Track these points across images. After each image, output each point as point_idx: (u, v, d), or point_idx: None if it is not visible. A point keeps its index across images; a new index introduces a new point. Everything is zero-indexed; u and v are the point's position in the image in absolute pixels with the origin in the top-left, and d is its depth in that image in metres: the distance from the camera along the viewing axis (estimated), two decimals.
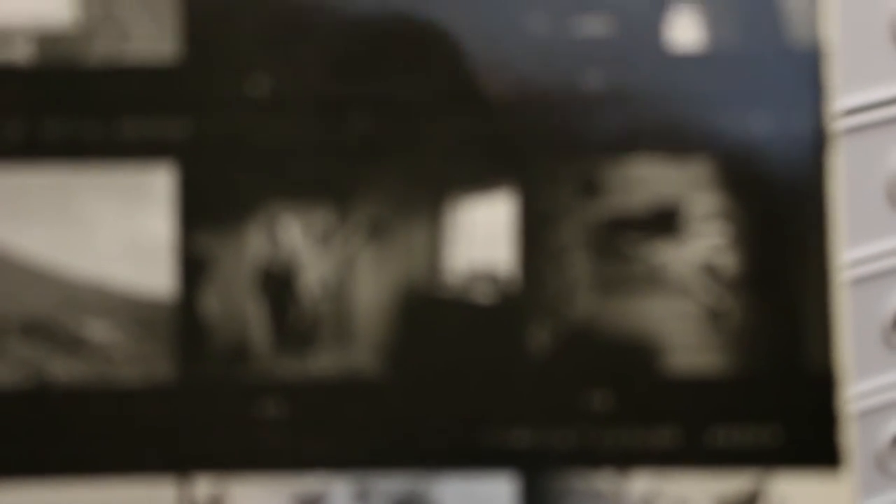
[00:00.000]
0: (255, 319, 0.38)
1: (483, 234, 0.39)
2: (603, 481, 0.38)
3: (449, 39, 0.39)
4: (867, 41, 0.46)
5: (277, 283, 0.39)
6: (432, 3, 0.39)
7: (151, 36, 0.39)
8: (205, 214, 0.38)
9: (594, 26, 0.39)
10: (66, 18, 0.38)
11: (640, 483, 0.39)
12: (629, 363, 0.38)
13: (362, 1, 0.39)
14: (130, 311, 0.38)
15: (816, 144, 0.38)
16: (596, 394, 0.38)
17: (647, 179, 0.39)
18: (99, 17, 0.38)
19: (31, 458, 0.38)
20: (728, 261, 0.38)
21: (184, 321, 0.38)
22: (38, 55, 0.38)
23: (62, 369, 0.38)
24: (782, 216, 0.38)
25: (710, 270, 0.38)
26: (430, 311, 0.38)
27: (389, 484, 0.38)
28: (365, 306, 0.39)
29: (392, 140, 0.38)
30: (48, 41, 0.38)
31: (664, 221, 0.39)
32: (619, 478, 0.39)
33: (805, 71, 0.39)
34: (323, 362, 0.38)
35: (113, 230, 0.38)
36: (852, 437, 0.38)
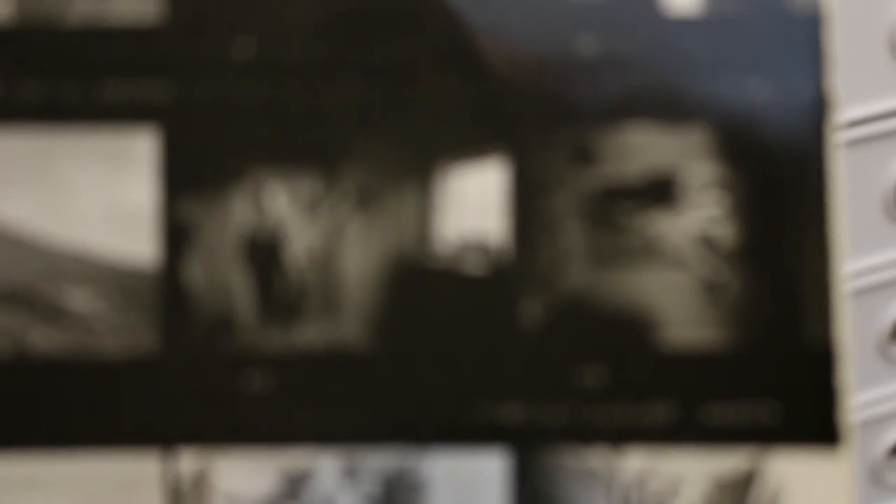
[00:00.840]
0: (240, 289, 0.37)
1: (474, 203, 0.37)
2: (596, 458, 0.38)
3: (440, 2, 0.38)
4: (866, 54, 0.45)
5: (263, 253, 0.38)
6: None
7: None
8: (189, 181, 0.37)
9: None
10: None
11: (634, 461, 0.38)
12: (623, 337, 0.37)
13: None
14: (112, 279, 0.37)
15: (816, 112, 0.37)
16: (589, 368, 0.37)
17: (643, 147, 0.38)
18: None
19: (11, 430, 0.37)
20: (725, 232, 0.37)
21: (167, 290, 0.37)
22: (17, 14, 0.37)
23: (43, 339, 0.37)
24: (781, 186, 0.37)
25: (707, 242, 0.37)
26: (419, 283, 0.37)
27: (378, 460, 0.37)
28: (353, 277, 0.38)
29: (381, 106, 0.37)
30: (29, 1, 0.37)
31: (660, 191, 0.38)
32: (613, 455, 0.38)
33: (805, 36, 0.38)
34: (309, 334, 0.37)
35: (94, 196, 0.37)
36: (851, 414, 0.37)
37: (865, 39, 0.45)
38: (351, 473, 0.37)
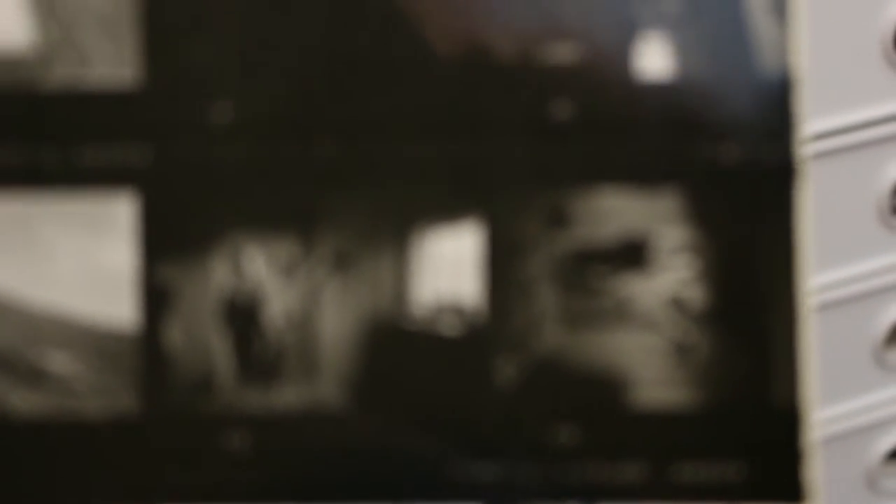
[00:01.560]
0: (219, 351, 0.38)
1: (449, 266, 0.38)
2: None
3: (417, 66, 0.38)
4: (858, 59, 0.46)
5: (242, 315, 0.38)
6: (398, 34, 0.38)
7: (111, 60, 0.38)
8: (168, 244, 0.38)
9: (561, 54, 0.39)
10: (22, 42, 0.38)
11: None
12: (596, 397, 0.38)
13: (328, 26, 0.38)
14: (92, 342, 0.38)
15: (786, 176, 0.38)
16: (562, 428, 0.38)
17: (616, 211, 0.38)
18: (57, 40, 0.38)
19: None
20: (695, 294, 0.38)
21: (147, 353, 0.38)
22: None
23: (23, 402, 0.38)
24: (751, 249, 0.38)
25: (678, 304, 0.38)
26: (395, 344, 0.38)
27: None
28: (330, 338, 0.38)
29: (357, 169, 0.38)
30: (4, 65, 0.38)
31: (632, 254, 0.38)
32: None
33: (775, 100, 0.38)
34: (288, 395, 0.38)
35: (74, 260, 0.38)
36: (820, 469, 0.38)
37: (859, 44, 0.46)
38: None
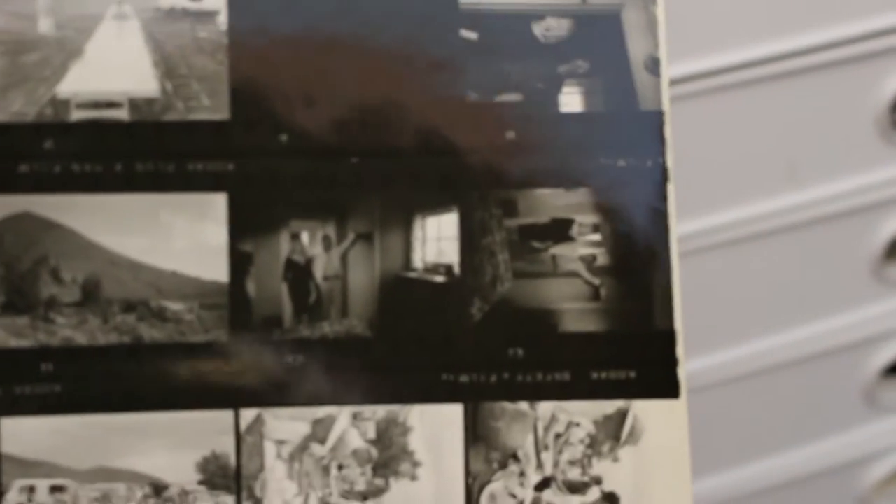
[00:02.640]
0: (282, 298, 0.56)
1: (438, 240, 0.57)
2: (521, 406, 0.57)
3: (413, 110, 0.57)
4: None
5: (297, 274, 0.56)
6: (395, 85, 0.57)
7: (209, 103, 0.56)
8: (248, 227, 0.56)
9: (511, 97, 0.57)
10: (152, 90, 0.56)
11: (547, 408, 0.57)
12: (536, 325, 0.57)
13: (356, 87, 0.57)
14: (197, 293, 0.56)
15: (660, 178, 0.57)
16: (514, 347, 0.57)
17: (548, 203, 0.57)
18: (174, 90, 0.56)
19: (125, 397, 0.55)
20: (601, 255, 0.57)
21: (233, 300, 0.56)
22: (135, 115, 0.56)
23: (149, 332, 0.55)
24: (637, 225, 0.57)
25: (590, 261, 0.57)
26: (402, 289, 0.56)
27: (377, 410, 0.56)
28: (356, 288, 0.56)
29: (377, 177, 0.56)
30: (140, 105, 0.56)
31: (559, 230, 0.57)
32: (532, 405, 0.57)
33: (651, 128, 0.57)
34: (328, 327, 0.56)
35: (185, 237, 0.56)
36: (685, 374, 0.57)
37: None
38: (357, 418, 0.56)
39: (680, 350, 0.57)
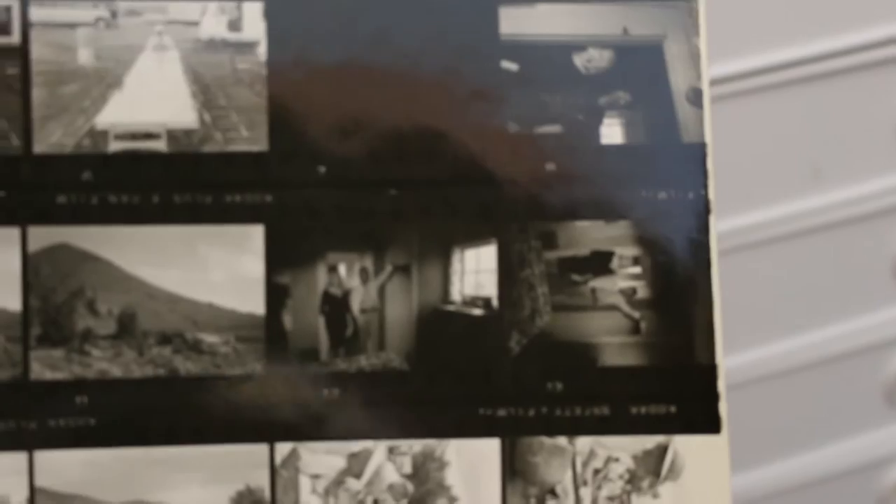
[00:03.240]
0: (319, 331, 0.56)
1: (476, 272, 0.56)
2: (560, 441, 0.56)
3: (453, 140, 0.56)
4: None
5: (334, 307, 0.56)
6: (434, 116, 0.56)
7: (248, 135, 0.56)
8: (285, 259, 0.56)
9: (551, 129, 0.57)
10: (191, 121, 0.56)
11: (585, 442, 0.56)
12: (575, 359, 0.56)
13: (394, 118, 0.56)
14: (233, 325, 0.55)
15: (700, 210, 0.56)
16: (552, 381, 0.56)
17: (588, 236, 0.57)
18: (213, 121, 0.56)
19: (159, 431, 0.55)
20: (641, 288, 0.56)
21: (270, 332, 0.55)
22: (173, 146, 0.56)
23: (185, 365, 0.55)
24: (678, 258, 0.56)
25: (630, 294, 0.56)
26: (440, 322, 0.56)
27: (413, 444, 0.55)
28: (393, 322, 0.56)
29: (415, 209, 0.56)
30: (178, 137, 0.56)
31: (600, 263, 0.56)
32: (571, 439, 0.56)
33: (693, 160, 0.57)
34: (365, 361, 0.56)
35: (222, 269, 0.55)
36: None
37: None
38: (393, 452, 0.55)
39: (721, 385, 0.56)
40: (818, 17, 0.66)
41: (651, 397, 0.56)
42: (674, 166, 0.57)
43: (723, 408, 0.56)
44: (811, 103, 0.68)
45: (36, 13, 0.55)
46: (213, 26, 0.57)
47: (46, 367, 0.54)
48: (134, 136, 0.56)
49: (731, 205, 0.73)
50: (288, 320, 0.56)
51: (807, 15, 0.67)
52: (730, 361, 0.71)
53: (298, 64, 0.57)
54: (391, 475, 0.55)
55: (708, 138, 0.57)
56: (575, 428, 0.56)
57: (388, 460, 0.55)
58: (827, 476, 0.77)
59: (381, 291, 0.56)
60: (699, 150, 0.57)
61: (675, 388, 0.56)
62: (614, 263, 0.57)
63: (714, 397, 0.56)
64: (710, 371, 0.56)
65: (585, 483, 0.56)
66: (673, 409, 0.56)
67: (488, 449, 0.56)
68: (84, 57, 0.56)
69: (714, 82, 0.69)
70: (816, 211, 0.68)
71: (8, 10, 0.56)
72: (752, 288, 0.74)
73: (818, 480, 0.78)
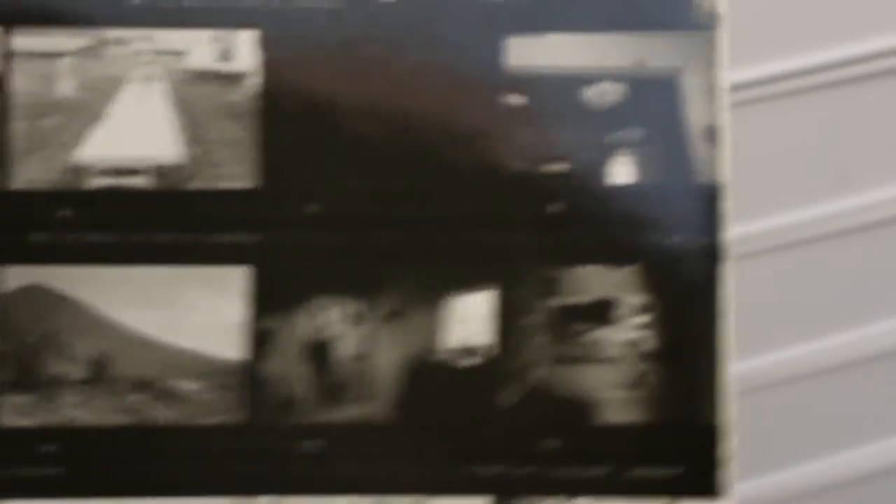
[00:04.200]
0: (303, 379, 0.53)
1: (469, 320, 0.53)
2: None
3: (452, 178, 0.53)
4: None
5: (319, 353, 0.53)
6: (432, 154, 0.53)
7: (236, 171, 0.53)
8: (269, 302, 0.53)
9: (557, 167, 0.53)
10: (175, 157, 0.53)
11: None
12: (572, 415, 0.52)
13: (391, 156, 0.53)
14: (212, 371, 0.53)
15: (714, 257, 0.52)
16: (548, 438, 0.52)
17: (592, 282, 0.53)
18: (199, 156, 0.53)
19: (132, 482, 0.52)
20: (645, 341, 0.52)
21: (251, 379, 0.53)
22: (159, 182, 0.53)
23: (160, 414, 0.53)
24: (686, 309, 0.52)
25: (633, 347, 0.52)
26: (428, 374, 0.53)
27: (400, 501, 0.52)
28: (382, 370, 0.53)
29: (406, 250, 0.53)
30: (161, 172, 0.53)
31: (601, 312, 0.53)
32: (567, 502, 0.52)
33: (708, 202, 0.53)
34: (351, 411, 0.53)
35: (202, 312, 0.53)
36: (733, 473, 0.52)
37: None
38: None
39: (727, 447, 0.52)
40: (844, 21, 0.69)
41: (653, 458, 0.52)
42: (686, 208, 0.53)
43: (729, 470, 0.52)
44: (837, 107, 0.71)
45: (19, 42, 0.53)
46: (203, 56, 0.54)
47: (16, 413, 0.52)
48: (118, 172, 0.53)
49: (757, 208, 0.75)
50: (270, 367, 0.53)
51: (833, 19, 0.70)
52: (757, 363, 0.79)
53: (293, 96, 0.54)
54: None
55: (724, 179, 0.53)
56: (571, 488, 0.52)
57: None
58: (864, 475, 0.80)
59: (369, 339, 0.53)
60: (714, 192, 0.53)
61: (677, 448, 0.52)
62: (619, 312, 0.53)
63: (717, 460, 0.52)
64: (715, 432, 0.52)
65: None
66: (675, 470, 0.52)
67: None
68: (66, 88, 0.54)
69: (740, 86, 0.74)
70: (842, 214, 0.72)
71: None
72: (781, 290, 0.76)
73: (855, 479, 0.80)
